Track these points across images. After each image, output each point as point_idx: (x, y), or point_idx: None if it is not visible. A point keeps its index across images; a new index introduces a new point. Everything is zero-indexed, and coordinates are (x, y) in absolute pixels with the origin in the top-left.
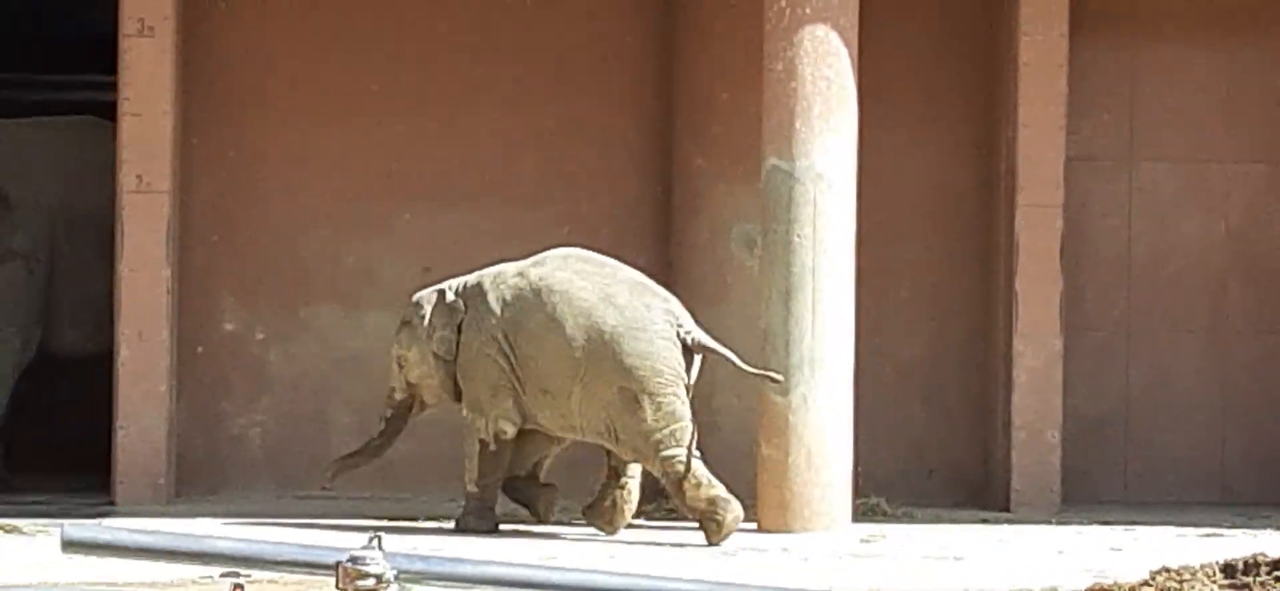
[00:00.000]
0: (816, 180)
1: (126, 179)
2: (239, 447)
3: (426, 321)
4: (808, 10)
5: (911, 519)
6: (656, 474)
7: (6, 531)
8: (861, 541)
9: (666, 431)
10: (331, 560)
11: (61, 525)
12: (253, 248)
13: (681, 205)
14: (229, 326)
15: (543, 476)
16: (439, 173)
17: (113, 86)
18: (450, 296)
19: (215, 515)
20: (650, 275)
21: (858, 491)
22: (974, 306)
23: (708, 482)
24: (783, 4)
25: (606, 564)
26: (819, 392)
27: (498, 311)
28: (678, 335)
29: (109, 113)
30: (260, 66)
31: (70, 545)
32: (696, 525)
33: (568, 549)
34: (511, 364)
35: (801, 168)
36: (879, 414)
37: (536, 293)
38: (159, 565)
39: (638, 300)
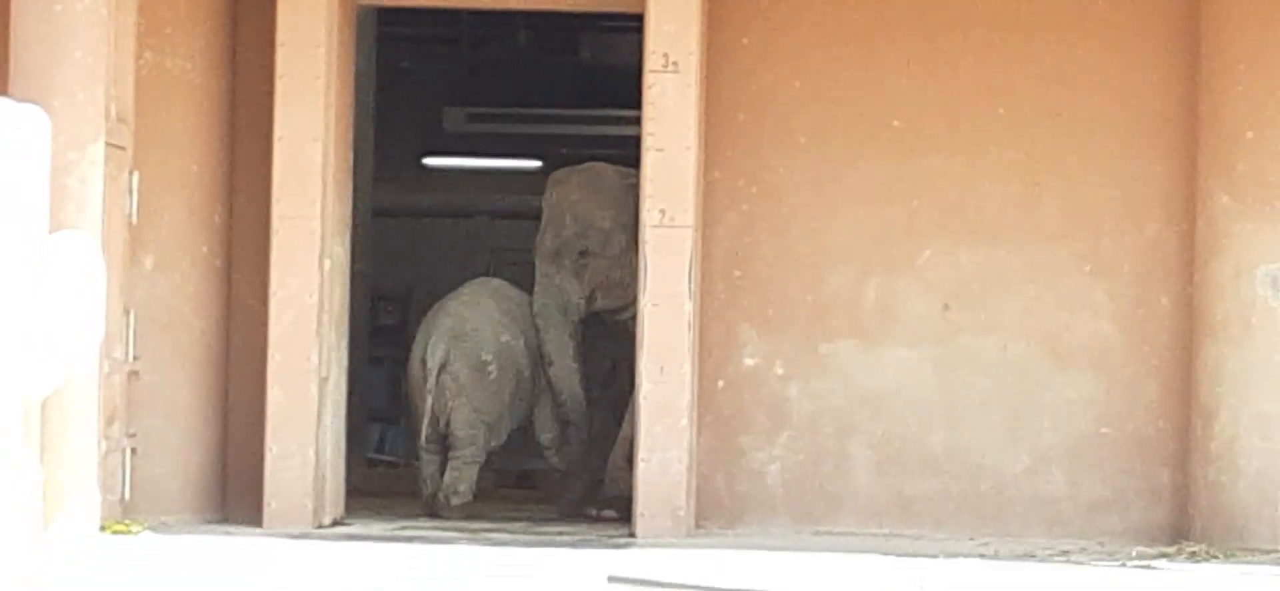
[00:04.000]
0: None
1: (649, 214)
2: (758, 483)
3: None
4: None
5: None
6: None
7: None
8: None
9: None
10: None
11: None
12: (773, 283)
13: (1205, 244)
14: (749, 361)
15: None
16: (961, 210)
17: (637, 121)
18: None
19: (736, 548)
20: (1172, 313)
21: None
22: None
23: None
24: None
25: None
26: None
27: None
28: (422, 359)
29: (635, 147)
30: (783, 102)
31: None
32: None
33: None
34: None
35: None
36: None
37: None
38: None
39: (427, 323)
